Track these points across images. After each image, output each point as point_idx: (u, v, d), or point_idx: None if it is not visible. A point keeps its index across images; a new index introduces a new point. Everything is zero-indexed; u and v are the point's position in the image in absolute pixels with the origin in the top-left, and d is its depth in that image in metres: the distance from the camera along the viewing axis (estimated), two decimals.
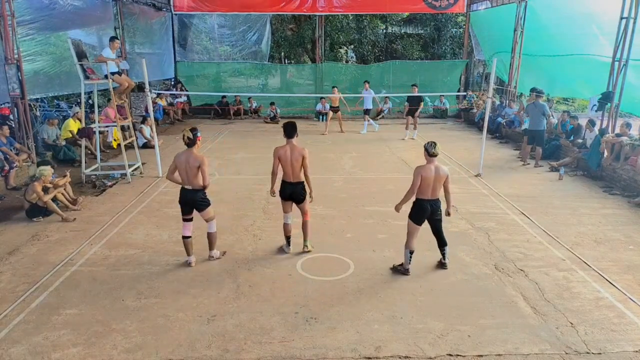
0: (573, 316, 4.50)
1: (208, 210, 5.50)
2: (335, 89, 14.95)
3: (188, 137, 5.26)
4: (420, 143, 12.93)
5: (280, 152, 5.54)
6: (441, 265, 5.52)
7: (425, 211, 5.22)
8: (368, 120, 14.63)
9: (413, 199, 5.26)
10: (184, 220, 5.51)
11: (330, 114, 14.57)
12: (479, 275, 5.34)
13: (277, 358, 3.91)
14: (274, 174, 5.66)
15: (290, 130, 5.56)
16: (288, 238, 5.85)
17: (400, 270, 5.36)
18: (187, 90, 17.31)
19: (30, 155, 9.36)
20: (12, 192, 8.29)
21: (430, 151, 5.18)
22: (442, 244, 5.49)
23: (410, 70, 19.23)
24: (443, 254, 5.52)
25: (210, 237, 5.65)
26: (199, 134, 5.36)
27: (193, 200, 5.41)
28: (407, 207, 5.37)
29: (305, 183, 5.66)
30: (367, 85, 14.60)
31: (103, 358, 3.89)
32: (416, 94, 13.60)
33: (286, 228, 5.82)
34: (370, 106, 14.77)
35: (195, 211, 5.51)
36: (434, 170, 5.13)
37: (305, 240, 5.90)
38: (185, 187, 5.38)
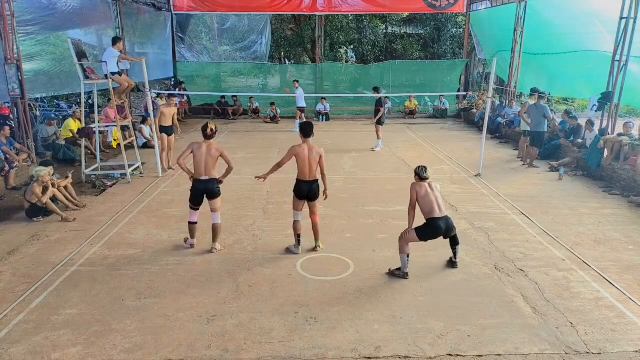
0: (573, 316, 4.50)
1: (218, 200, 5.81)
2: (172, 101, 10.29)
3: (211, 129, 5.65)
4: (421, 143, 12.94)
5: (298, 151, 5.57)
6: (452, 264, 5.51)
7: (438, 230, 5.12)
8: (301, 119, 14.62)
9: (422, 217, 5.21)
10: (193, 209, 5.83)
11: (165, 138, 9.90)
12: (479, 275, 5.34)
13: (277, 358, 3.91)
14: (279, 165, 5.71)
15: (309, 130, 5.65)
16: (298, 237, 5.84)
17: (398, 274, 5.26)
18: (187, 91, 17.31)
19: (31, 155, 9.36)
20: (12, 192, 8.29)
21: (422, 176, 5.21)
22: (455, 243, 5.48)
23: (410, 70, 19.25)
24: (454, 253, 5.50)
25: (216, 228, 5.88)
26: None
27: (210, 190, 5.70)
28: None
29: (319, 181, 5.77)
30: (296, 84, 14.76)
31: (103, 358, 3.89)
32: (377, 96, 11.88)
33: (297, 226, 5.80)
34: (303, 104, 14.81)
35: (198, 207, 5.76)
36: (428, 187, 5.19)
37: (316, 240, 5.97)
38: (201, 178, 5.64)
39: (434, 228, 5.11)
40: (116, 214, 7.22)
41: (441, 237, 5.33)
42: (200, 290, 4.96)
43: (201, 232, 6.51)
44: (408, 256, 5.23)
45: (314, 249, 5.94)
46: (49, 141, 10.52)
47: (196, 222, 5.91)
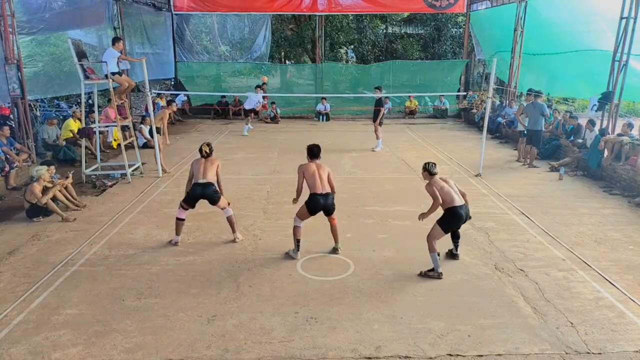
0: (573, 316, 4.50)
1: (221, 202, 5.98)
2: (168, 106, 10.26)
3: (206, 152, 5.93)
4: (421, 143, 12.94)
5: (305, 167, 5.67)
6: (452, 255, 5.60)
7: (460, 219, 5.19)
8: (248, 121, 14.45)
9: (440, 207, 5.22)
10: (183, 208, 5.94)
11: (162, 140, 9.64)
12: (479, 275, 5.34)
13: (277, 358, 3.91)
14: (299, 191, 5.73)
15: (316, 151, 5.74)
16: (298, 242, 5.72)
17: (432, 275, 5.21)
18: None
19: (31, 155, 9.36)
20: (12, 192, 8.28)
21: (432, 171, 5.23)
22: (456, 237, 5.58)
23: (410, 70, 19.24)
24: (456, 246, 5.60)
25: (230, 220, 6.08)
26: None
27: (208, 196, 5.85)
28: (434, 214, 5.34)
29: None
30: (259, 89, 14.47)
31: (103, 358, 3.89)
32: (378, 96, 11.70)
33: (298, 231, 5.69)
34: (252, 107, 14.43)
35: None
36: (442, 180, 5.24)
37: (336, 242, 5.92)
38: (199, 181, 5.81)
39: (457, 216, 5.15)
40: (116, 214, 7.22)
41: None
42: (200, 290, 4.96)
43: (202, 231, 6.53)
44: (438, 254, 5.23)
45: (334, 251, 5.89)
46: (48, 142, 10.51)
47: (184, 219, 6.04)
